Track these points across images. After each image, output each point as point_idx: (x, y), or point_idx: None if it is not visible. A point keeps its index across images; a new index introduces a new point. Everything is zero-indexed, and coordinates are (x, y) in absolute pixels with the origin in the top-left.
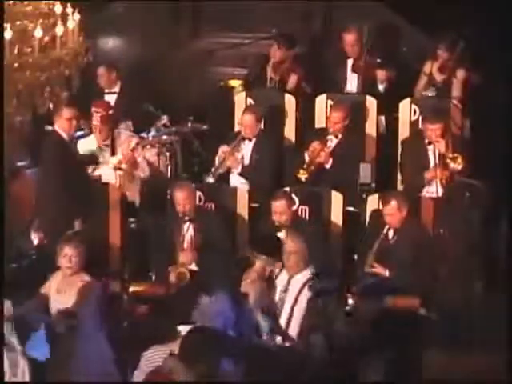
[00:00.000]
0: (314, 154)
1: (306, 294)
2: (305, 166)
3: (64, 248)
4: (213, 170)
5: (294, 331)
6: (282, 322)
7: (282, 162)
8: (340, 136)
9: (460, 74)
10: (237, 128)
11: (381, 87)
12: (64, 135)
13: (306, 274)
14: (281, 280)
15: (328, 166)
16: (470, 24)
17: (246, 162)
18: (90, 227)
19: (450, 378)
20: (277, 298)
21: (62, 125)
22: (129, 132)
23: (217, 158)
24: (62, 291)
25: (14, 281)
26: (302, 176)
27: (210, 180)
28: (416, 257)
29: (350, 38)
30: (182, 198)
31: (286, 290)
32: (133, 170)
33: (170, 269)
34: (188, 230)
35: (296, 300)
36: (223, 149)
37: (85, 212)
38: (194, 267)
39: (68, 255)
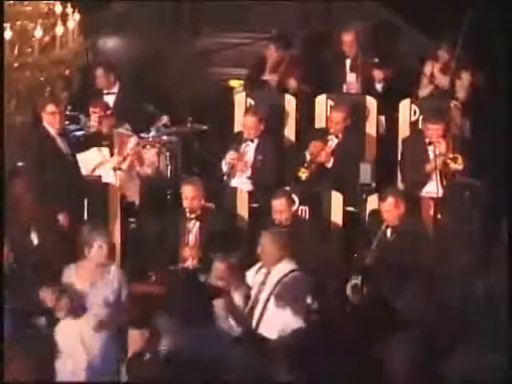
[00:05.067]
0: (315, 152)
1: (284, 287)
2: (305, 164)
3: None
4: (225, 177)
5: (265, 325)
6: (256, 314)
7: (283, 162)
8: (340, 136)
9: (464, 75)
10: (237, 128)
11: (378, 86)
12: (51, 130)
13: (284, 267)
14: (261, 274)
15: (329, 165)
16: (471, 24)
17: (250, 163)
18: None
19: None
20: (255, 290)
21: (47, 120)
22: (128, 132)
23: (223, 163)
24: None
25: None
26: (303, 175)
27: None
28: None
29: (348, 38)
30: (190, 193)
31: (263, 283)
32: (137, 167)
33: None
34: (193, 228)
35: (271, 294)
36: (231, 155)
37: (70, 206)
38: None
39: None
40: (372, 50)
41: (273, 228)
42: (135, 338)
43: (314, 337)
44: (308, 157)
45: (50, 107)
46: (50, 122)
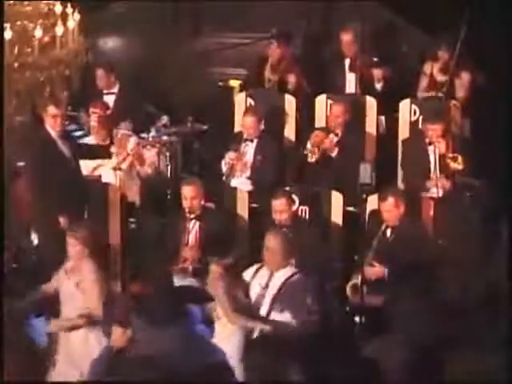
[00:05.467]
0: (317, 141)
1: (288, 290)
2: (309, 148)
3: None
4: (224, 178)
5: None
6: (261, 315)
7: (283, 162)
8: (340, 134)
9: (463, 75)
10: (237, 128)
11: (378, 86)
12: (52, 132)
13: (287, 271)
14: (261, 276)
15: (333, 154)
16: (471, 24)
17: (249, 162)
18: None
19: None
20: (256, 293)
21: (49, 122)
22: (128, 132)
23: (223, 164)
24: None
25: (14, 281)
26: (311, 156)
27: None
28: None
29: (346, 38)
30: (190, 193)
31: (266, 286)
32: (138, 167)
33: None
34: (193, 228)
35: (276, 296)
36: (230, 156)
37: (70, 208)
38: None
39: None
40: (371, 49)
41: (273, 228)
42: (118, 336)
43: (313, 337)
44: (310, 146)
45: (51, 109)
46: (51, 123)
